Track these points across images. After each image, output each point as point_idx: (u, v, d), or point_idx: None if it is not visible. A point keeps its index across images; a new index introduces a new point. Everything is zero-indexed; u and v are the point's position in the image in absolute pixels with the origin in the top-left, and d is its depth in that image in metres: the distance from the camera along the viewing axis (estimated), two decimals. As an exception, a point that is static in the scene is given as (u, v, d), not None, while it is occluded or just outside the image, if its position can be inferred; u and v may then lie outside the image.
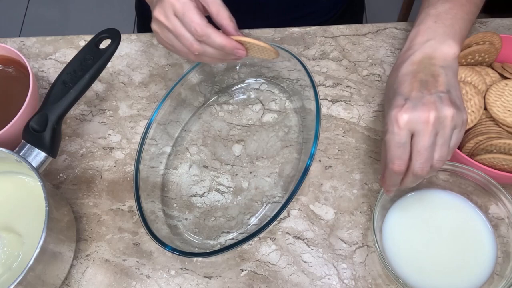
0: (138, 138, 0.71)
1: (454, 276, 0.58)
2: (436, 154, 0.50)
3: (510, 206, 0.58)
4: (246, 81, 0.73)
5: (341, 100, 0.72)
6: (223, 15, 0.56)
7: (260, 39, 0.58)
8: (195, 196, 0.66)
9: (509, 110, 0.61)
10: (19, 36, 1.29)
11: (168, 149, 0.70)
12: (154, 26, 0.58)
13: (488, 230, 0.60)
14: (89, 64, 0.61)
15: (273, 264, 0.62)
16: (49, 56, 0.80)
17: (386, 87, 0.58)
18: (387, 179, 0.54)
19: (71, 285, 0.62)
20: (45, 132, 0.59)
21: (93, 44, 0.62)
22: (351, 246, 0.62)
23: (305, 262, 0.62)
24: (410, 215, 0.62)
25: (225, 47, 0.55)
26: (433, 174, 0.53)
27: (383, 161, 0.54)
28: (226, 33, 0.56)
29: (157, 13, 0.56)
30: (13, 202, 0.63)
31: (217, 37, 0.54)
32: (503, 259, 0.58)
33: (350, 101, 0.72)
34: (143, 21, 0.95)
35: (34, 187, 0.62)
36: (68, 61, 0.62)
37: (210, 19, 0.57)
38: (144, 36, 0.80)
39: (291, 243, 0.63)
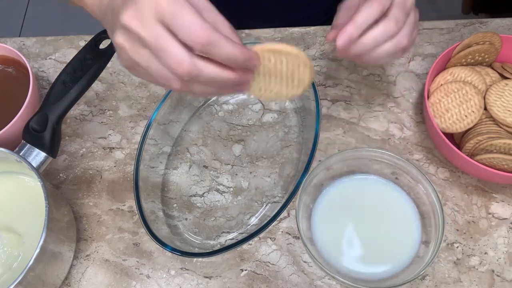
0: (138, 138, 0.71)
1: (381, 258, 0.59)
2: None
3: (431, 189, 0.59)
4: (246, 81, 0.73)
5: (341, 100, 0.72)
6: (224, 25, 0.41)
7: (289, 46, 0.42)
8: (195, 196, 0.66)
9: (509, 110, 0.61)
10: (19, 36, 1.29)
11: (168, 149, 0.70)
12: (119, 38, 0.40)
13: (414, 213, 0.61)
14: (89, 64, 0.61)
15: (273, 264, 0.62)
16: (49, 56, 0.80)
17: None
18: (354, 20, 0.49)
19: (71, 285, 0.62)
20: (45, 132, 0.59)
21: (93, 44, 0.62)
22: (351, 246, 0.62)
23: (305, 262, 0.62)
24: (337, 200, 0.63)
25: (236, 58, 0.39)
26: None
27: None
28: None
29: (129, 17, 0.39)
30: (13, 202, 0.63)
31: (228, 45, 0.38)
32: (423, 243, 0.59)
33: (350, 101, 0.72)
34: None
35: (34, 187, 0.62)
36: (68, 61, 0.62)
37: None
38: (144, 36, 0.80)
39: (291, 243, 0.63)
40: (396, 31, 0.51)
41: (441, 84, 0.65)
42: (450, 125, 0.62)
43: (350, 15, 0.51)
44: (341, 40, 0.50)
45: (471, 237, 0.62)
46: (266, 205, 0.64)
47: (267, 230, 0.57)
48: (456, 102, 0.63)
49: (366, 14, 0.49)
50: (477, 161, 0.59)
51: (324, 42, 0.77)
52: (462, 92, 0.63)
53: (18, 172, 0.63)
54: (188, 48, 0.39)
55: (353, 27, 0.50)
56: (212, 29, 0.38)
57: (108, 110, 0.74)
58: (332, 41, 0.53)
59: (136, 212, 0.60)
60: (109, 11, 0.44)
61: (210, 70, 0.39)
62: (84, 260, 0.64)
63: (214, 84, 0.41)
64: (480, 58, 0.67)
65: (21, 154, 0.58)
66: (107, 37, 0.63)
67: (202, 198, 0.66)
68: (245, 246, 0.63)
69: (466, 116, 0.62)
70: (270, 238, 0.64)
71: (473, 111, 0.62)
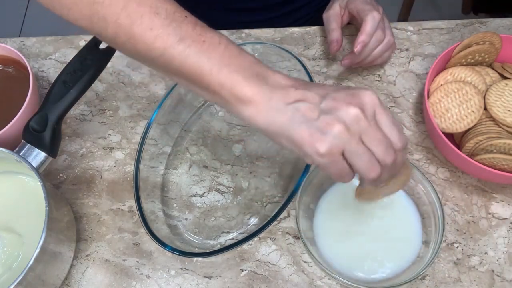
0: (138, 138, 0.71)
1: (382, 259, 0.59)
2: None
3: (431, 189, 0.59)
4: (246, 81, 0.73)
5: (341, 100, 0.72)
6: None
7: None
8: (195, 196, 0.66)
9: (509, 110, 0.61)
10: (19, 36, 1.29)
11: (168, 149, 0.70)
12: (334, 140, 0.41)
13: (415, 214, 0.61)
14: (89, 64, 0.61)
15: (273, 264, 0.62)
16: (49, 56, 0.80)
17: None
18: None
19: (71, 285, 0.62)
20: (45, 132, 0.59)
21: (93, 44, 0.62)
22: (351, 246, 0.62)
23: (305, 262, 0.62)
24: (338, 200, 0.63)
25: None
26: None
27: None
28: None
29: (353, 115, 0.41)
30: (13, 202, 0.63)
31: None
32: (423, 243, 0.59)
33: (350, 101, 0.72)
34: None
35: (34, 187, 0.62)
36: (68, 61, 0.61)
37: None
38: (144, 36, 0.80)
39: (291, 243, 0.63)
40: (384, 36, 0.68)
41: (441, 84, 0.65)
42: (450, 125, 0.62)
43: (338, 23, 0.70)
44: (358, 47, 0.65)
45: (471, 237, 0.62)
46: (266, 205, 0.64)
47: (267, 230, 0.57)
48: (456, 102, 0.63)
49: (371, 24, 0.65)
50: (477, 161, 0.59)
51: (324, 42, 0.77)
52: (462, 92, 0.63)
53: (18, 172, 0.63)
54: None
55: (365, 35, 0.65)
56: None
57: (108, 110, 0.74)
58: (336, 51, 0.71)
59: (136, 212, 0.60)
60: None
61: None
62: (84, 260, 0.64)
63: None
64: (480, 58, 0.67)
65: (21, 154, 0.58)
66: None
67: (202, 198, 0.66)
68: (245, 246, 0.63)
69: (466, 116, 0.62)
70: (270, 238, 0.63)
71: (473, 111, 0.62)
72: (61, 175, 0.70)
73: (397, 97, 0.72)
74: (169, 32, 0.42)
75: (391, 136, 0.43)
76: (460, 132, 0.63)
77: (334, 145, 0.41)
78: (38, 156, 0.58)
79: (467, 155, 0.60)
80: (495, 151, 0.59)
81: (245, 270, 0.62)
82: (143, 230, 0.64)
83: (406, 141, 0.44)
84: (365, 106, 0.42)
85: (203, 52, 0.43)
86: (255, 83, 0.43)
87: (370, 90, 0.43)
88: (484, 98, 0.63)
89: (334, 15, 0.71)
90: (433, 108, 0.64)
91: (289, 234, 0.64)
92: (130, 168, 0.69)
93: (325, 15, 0.72)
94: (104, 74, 0.76)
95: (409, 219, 0.61)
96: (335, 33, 0.70)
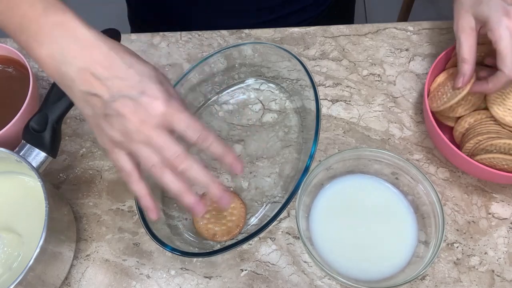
0: (138, 138, 0.71)
1: (379, 259, 0.59)
2: None
3: (431, 189, 0.59)
4: (246, 81, 0.73)
5: (341, 100, 0.72)
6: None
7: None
8: (195, 196, 0.66)
9: (509, 109, 0.61)
10: (19, 36, 1.29)
11: (168, 149, 0.70)
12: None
13: (410, 213, 0.61)
14: (89, 64, 0.60)
15: (273, 264, 0.62)
16: (49, 56, 0.80)
17: None
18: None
19: (71, 285, 0.62)
20: (45, 132, 0.59)
21: (93, 44, 0.62)
22: (351, 246, 0.62)
23: (305, 262, 0.62)
24: (336, 200, 0.63)
25: (223, 157, 0.48)
26: None
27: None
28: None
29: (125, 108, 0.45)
30: (13, 202, 0.63)
31: (219, 143, 0.48)
32: (423, 243, 0.59)
33: (350, 101, 0.72)
34: (137, 28, 0.96)
35: (34, 187, 0.62)
36: (68, 61, 0.61)
37: None
38: (144, 36, 0.80)
39: (291, 243, 0.63)
40: None
41: (442, 81, 0.65)
42: (441, 102, 0.62)
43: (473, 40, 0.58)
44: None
45: (471, 237, 0.62)
46: (266, 205, 0.64)
47: (267, 230, 0.57)
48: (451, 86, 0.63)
49: (506, 44, 0.55)
50: (477, 161, 0.59)
51: (324, 42, 0.77)
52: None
53: (18, 172, 0.63)
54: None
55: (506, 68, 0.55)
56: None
57: (108, 110, 0.74)
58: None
59: (136, 212, 0.60)
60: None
61: (198, 169, 0.47)
62: (84, 260, 0.64)
63: (194, 181, 0.47)
64: (480, 58, 0.67)
65: (21, 154, 0.58)
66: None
67: (202, 198, 0.66)
68: (245, 246, 0.63)
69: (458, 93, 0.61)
70: (270, 238, 0.64)
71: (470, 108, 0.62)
72: (61, 175, 0.70)
73: (397, 97, 0.72)
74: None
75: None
76: (450, 107, 0.62)
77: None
78: (38, 156, 0.58)
79: (467, 155, 0.60)
80: (495, 151, 0.59)
81: (245, 270, 0.62)
82: (143, 230, 0.64)
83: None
84: None
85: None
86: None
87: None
88: (485, 97, 0.63)
89: (467, 27, 0.57)
90: (431, 95, 0.64)
91: (289, 234, 0.64)
92: (130, 168, 0.69)
93: (455, 27, 0.60)
94: (104, 74, 0.76)
95: (406, 219, 0.61)
96: (467, 64, 0.57)
